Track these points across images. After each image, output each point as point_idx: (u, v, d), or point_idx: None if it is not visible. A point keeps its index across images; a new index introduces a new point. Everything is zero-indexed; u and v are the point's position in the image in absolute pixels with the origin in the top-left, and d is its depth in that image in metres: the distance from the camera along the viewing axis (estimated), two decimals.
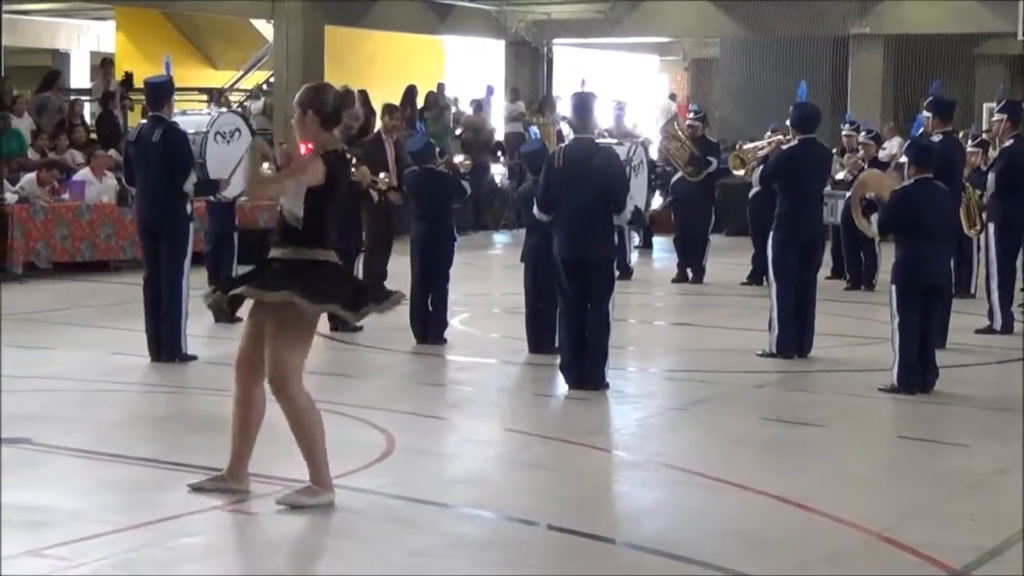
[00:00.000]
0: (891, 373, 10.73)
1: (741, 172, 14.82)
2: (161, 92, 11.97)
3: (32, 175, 18.38)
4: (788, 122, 12.60)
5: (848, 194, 17.41)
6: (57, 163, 19.63)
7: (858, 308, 15.57)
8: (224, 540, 6.87)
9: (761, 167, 12.82)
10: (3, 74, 21.67)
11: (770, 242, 12.28)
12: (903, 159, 11.34)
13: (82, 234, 17.95)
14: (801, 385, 11.33)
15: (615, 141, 15.16)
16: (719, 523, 7.31)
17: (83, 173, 18.86)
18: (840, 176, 17.31)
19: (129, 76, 24.85)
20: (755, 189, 16.29)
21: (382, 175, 14.50)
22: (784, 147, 12.66)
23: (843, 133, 18.72)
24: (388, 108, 17.11)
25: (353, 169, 13.98)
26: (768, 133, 16.82)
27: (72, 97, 23.11)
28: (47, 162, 19.42)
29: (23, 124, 20.49)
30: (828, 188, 13.92)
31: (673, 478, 8.35)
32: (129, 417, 9.30)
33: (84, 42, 35.26)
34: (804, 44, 29.20)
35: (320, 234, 7.36)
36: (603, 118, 20.25)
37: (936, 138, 12.50)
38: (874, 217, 11.19)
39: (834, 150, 18.44)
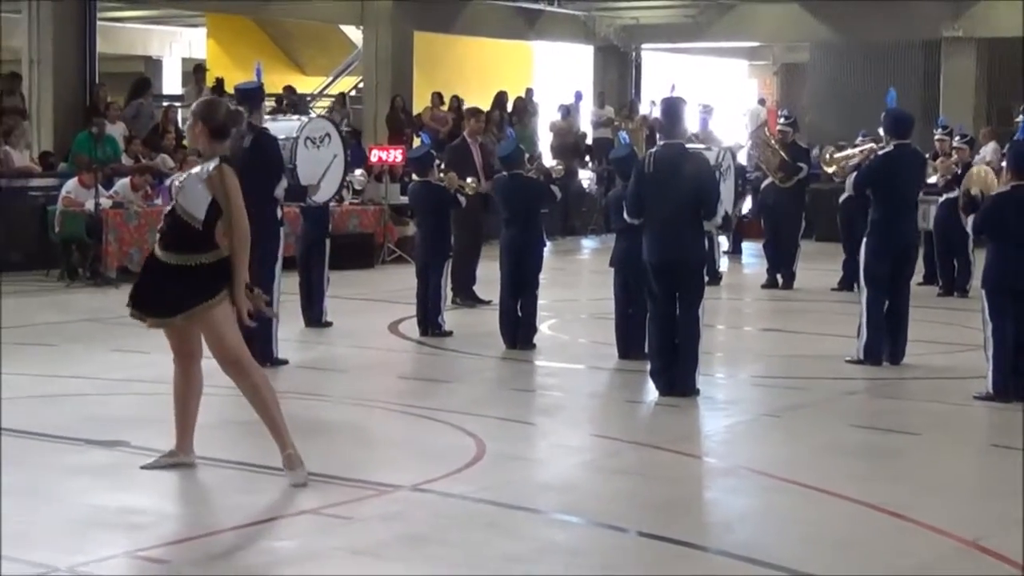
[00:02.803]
0: (986, 381, 10.61)
1: (832, 169, 14.69)
2: (252, 98, 12.04)
3: (126, 180, 18.59)
4: (881, 129, 12.49)
5: (941, 199, 17.32)
6: (150, 168, 19.84)
7: (951, 314, 15.39)
8: (316, 544, 6.91)
9: (855, 173, 12.71)
10: (97, 81, 21.95)
11: (863, 248, 12.17)
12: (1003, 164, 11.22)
13: (131, 238, 18.01)
14: (894, 392, 11.23)
15: (703, 146, 15.12)
16: (811, 530, 7.27)
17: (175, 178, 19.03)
18: (932, 180, 17.13)
19: (220, 82, 25.06)
20: (846, 194, 16.17)
21: (469, 179, 14.56)
22: (879, 153, 12.53)
23: (935, 138, 18.51)
24: (473, 112, 17.22)
25: (441, 174, 14.11)
26: (859, 139, 16.69)
27: (166, 103, 23.34)
28: (140, 167, 19.64)
29: (117, 130, 20.73)
30: (920, 193, 13.79)
31: (764, 485, 8.31)
32: (222, 421, 9.38)
33: (176, 49, 35.64)
34: (895, 48, 28.95)
35: (212, 236, 7.83)
36: (690, 122, 20.19)
37: None
38: (971, 217, 11.09)
39: (927, 155, 18.29)
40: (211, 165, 7.85)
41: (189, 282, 7.85)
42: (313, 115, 15.64)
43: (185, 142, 22.02)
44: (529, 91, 28.78)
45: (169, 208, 8.04)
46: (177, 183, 8.07)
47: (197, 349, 8.16)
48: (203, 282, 7.84)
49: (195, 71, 24.54)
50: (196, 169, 7.95)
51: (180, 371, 8.23)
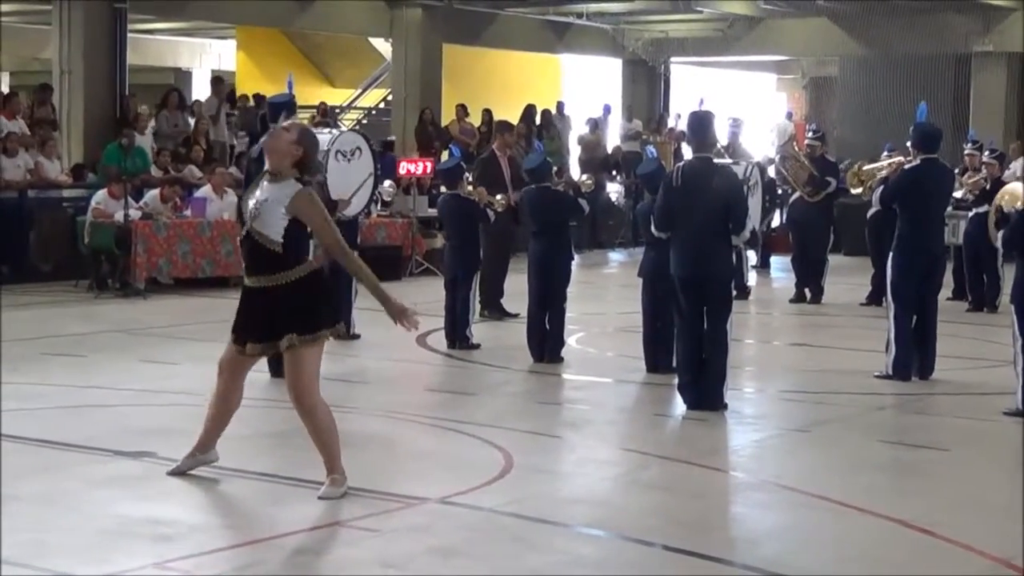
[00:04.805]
0: (1015, 396, 10.57)
1: (859, 191, 14.66)
2: (283, 111, 12.05)
3: (155, 192, 18.67)
4: (909, 143, 12.47)
5: (970, 214, 17.26)
6: (179, 180, 19.91)
7: (980, 330, 15.33)
8: (343, 556, 6.91)
9: (881, 187, 12.68)
10: (127, 92, 22.04)
11: (889, 263, 12.14)
12: None
13: (203, 250, 18.20)
14: (923, 408, 11.18)
15: (731, 161, 15.10)
16: (840, 547, 7.24)
17: (204, 190, 19.11)
18: (960, 195, 17.07)
19: (232, 91, 25.03)
20: (874, 209, 16.12)
21: (499, 196, 14.56)
22: (905, 167, 12.51)
23: (965, 152, 18.46)
24: (503, 125, 17.23)
25: (470, 188, 14.12)
26: (885, 154, 16.66)
27: (206, 114, 23.38)
28: (169, 179, 19.71)
29: (146, 142, 20.82)
30: (949, 208, 13.78)
31: (792, 500, 8.28)
32: (250, 432, 9.40)
33: (205, 60, 35.82)
34: (925, 62, 28.87)
35: (297, 254, 7.85)
36: (719, 136, 20.20)
37: None
38: (1001, 233, 11.05)
39: (955, 170, 18.26)
40: (290, 190, 7.77)
41: (285, 304, 7.78)
42: (344, 128, 15.65)
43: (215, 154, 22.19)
44: (560, 104, 28.83)
45: (244, 234, 7.87)
46: (252, 206, 7.84)
47: (243, 369, 8.20)
48: (301, 305, 7.77)
49: (214, 83, 24.60)
50: (270, 193, 7.79)
51: (228, 387, 8.18)
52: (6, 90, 24.62)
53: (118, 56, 21.90)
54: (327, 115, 25.01)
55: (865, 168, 14.97)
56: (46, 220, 19.24)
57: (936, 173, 12.32)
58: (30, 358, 12.63)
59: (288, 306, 7.78)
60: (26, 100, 21.53)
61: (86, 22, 21.42)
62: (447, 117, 26.66)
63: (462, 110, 26.32)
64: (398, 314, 7.80)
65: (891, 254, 12.16)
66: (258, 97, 24.01)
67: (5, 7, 25.96)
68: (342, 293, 14.03)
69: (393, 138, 25.29)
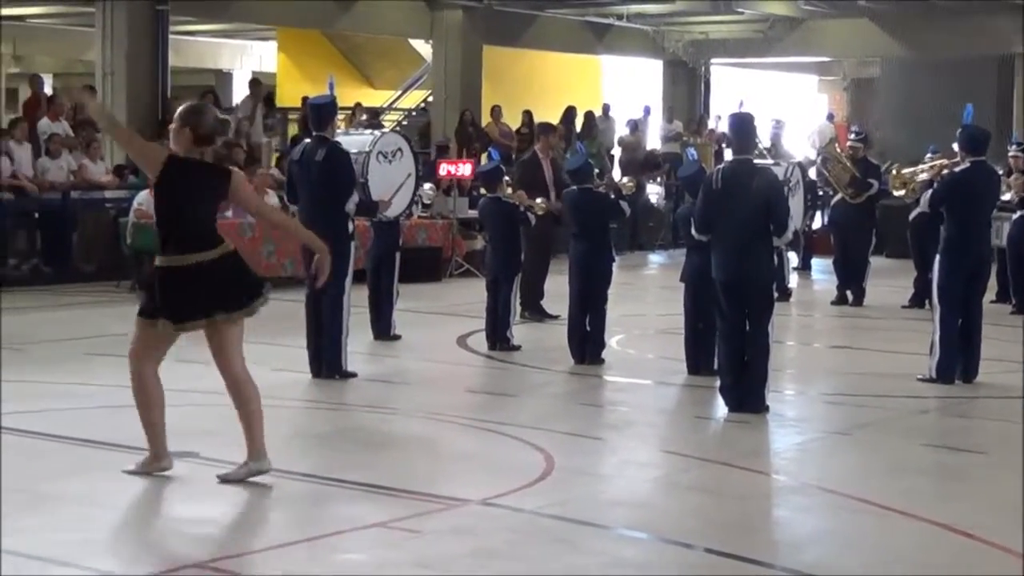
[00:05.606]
0: None
1: (902, 192, 14.59)
2: (325, 112, 12.10)
3: None
4: (956, 145, 12.40)
5: (1014, 216, 17.16)
6: None
7: None
8: (385, 557, 6.91)
9: (930, 190, 12.60)
10: (169, 94, 22.13)
11: (936, 265, 12.07)
12: None
13: (244, 251, 17.98)
14: (966, 411, 11.12)
15: (771, 162, 15.06)
16: (882, 550, 7.20)
17: None
18: (1007, 197, 16.95)
19: (270, 94, 25.06)
20: (916, 211, 16.03)
21: (539, 200, 14.55)
22: (955, 170, 12.42)
23: (1010, 154, 18.35)
24: (545, 128, 17.21)
25: (509, 190, 14.12)
26: (928, 156, 16.57)
27: (240, 116, 23.47)
28: None
29: None
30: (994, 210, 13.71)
31: (834, 503, 8.24)
32: (291, 433, 9.42)
33: (246, 62, 35.92)
34: (968, 63, 28.70)
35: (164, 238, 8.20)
36: (761, 137, 20.18)
37: None
38: None
39: (1000, 172, 18.13)
40: None
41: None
42: (386, 129, 15.68)
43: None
44: (606, 106, 28.83)
45: None
46: None
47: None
48: (173, 288, 8.18)
49: (251, 84, 24.66)
50: None
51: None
52: (49, 92, 24.75)
53: (160, 58, 22.02)
54: (376, 116, 25.10)
55: (905, 171, 14.90)
56: (89, 221, 19.36)
57: (984, 176, 12.26)
58: (72, 358, 12.71)
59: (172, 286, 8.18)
60: (69, 102, 21.65)
61: (128, 24, 21.55)
62: (487, 118, 26.68)
63: (497, 111, 26.33)
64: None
65: (938, 256, 12.09)
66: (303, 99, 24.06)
67: (49, 8, 26.16)
68: (382, 296, 14.10)
69: (449, 143, 25.26)
